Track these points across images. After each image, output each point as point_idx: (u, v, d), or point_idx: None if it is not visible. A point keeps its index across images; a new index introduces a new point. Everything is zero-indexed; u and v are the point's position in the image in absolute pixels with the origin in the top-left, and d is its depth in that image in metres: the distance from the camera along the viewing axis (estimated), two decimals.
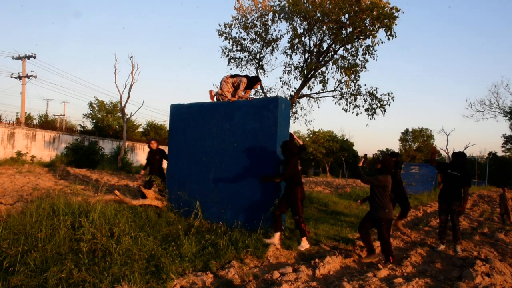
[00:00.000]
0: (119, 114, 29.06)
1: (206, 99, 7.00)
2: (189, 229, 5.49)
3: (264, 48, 14.75)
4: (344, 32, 12.98)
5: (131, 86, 17.12)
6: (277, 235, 5.27)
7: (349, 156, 44.26)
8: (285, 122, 6.16)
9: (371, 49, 13.15)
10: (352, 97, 14.03)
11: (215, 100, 6.93)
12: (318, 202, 10.77)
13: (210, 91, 6.94)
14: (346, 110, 14.22)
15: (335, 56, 13.81)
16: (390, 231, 4.86)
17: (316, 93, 14.80)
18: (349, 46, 13.38)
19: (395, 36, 12.27)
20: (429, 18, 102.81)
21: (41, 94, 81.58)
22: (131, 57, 21.79)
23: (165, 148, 8.04)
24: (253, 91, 7.13)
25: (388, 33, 12.24)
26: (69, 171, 14.76)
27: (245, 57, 15.13)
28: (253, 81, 6.66)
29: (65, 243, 4.02)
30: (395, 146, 62.26)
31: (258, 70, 15.04)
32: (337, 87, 14.23)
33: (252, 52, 14.93)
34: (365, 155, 5.36)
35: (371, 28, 12.46)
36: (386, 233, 4.76)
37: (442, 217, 5.93)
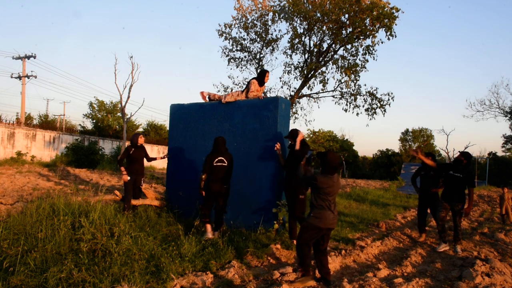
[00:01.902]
0: (119, 114, 29.08)
1: None
2: (189, 229, 5.49)
3: (264, 48, 14.76)
4: (344, 32, 12.99)
5: (131, 86, 17.09)
6: (207, 227, 5.42)
7: (349, 156, 44.24)
8: (285, 122, 6.16)
9: (371, 49, 13.17)
10: (352, 97, 14.04)
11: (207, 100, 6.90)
12: None
13: (201, 92, 6.91)
14: (346, 110, 14.24)
15: (335, 56, 13.82)
16: (309, 239, 3.91)
17: (316, 93, 14.81)
18: (349, 46, 13.40)
19: (395, 36, 12.30)
20: (429, 18, 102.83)
21: (41, 94, 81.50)
22: (131, 57, 21.70)
23: (165, 148, 7.84)
24: (267, 85, 6.91)
25: (388, 33, 12.26)
26: (69, 171, 14.76)
27: (245, 57, 15.15)
28: (261, 75, 6.41)
29: (65, 243, 4.02)
30: (395, 146, 62.34)
31: (258, 70, 15.05)
32: (337, 87, 14.25)
33: (252, 52, 14.94)
34: (311, 155, 4.55)
35: (371, 28, 12.48)
36: (303, 240, 3.91)
37: (442, 215, 5.88)
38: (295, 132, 5.44)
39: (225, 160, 5.47)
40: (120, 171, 6.48)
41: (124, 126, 17.08)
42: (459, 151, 6.46)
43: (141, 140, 6.67)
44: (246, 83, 6.71)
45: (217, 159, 5.43)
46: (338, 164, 3.94)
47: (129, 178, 6.34)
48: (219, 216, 5.59)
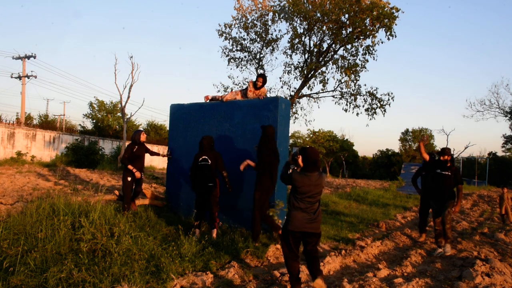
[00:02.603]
0: (119, 114, 29.09)
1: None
2: (189, 229, 5.49)
3: (264, 48, 14.74)
4: (344, 32, 12.98)
5: (131, 86, 17.13)
6: (196, 230, 5.45)
7: (349, 156, 44.25)
8: (285, 122, 6.16)
9: (371, 49, 13.15)
10: (352, 97, 14.02)
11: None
12: None
13: (206, 97, 6.93)
14: (346, 110, 14.21)
15: (335, 56, 13.81)
16: (288, 246, 3.55)
17: (316, 93, 14.79)
18: (349, 46, 13.37)
19: (395, 36, 12.28)
20: (429, 18, 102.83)
21: (41, 94, 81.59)
22: (131, 57, 21.83)
23: (165, 148, 7.76)
24: (267, 87, 6.90)
25: (388, 33, 12.24)
26: (69, 171, 14.76)
27: (245, 57, 15.11)
28: (256, 79, 6.55)
29: (65, 243, 4.02)
30: (395, 146, 62.34)
31: (258, 70, 15.04)
32: (337, 87, 14.23)
33: (252, 52, 14.92)
34: (295, 152, 4.37)
35: (371, 28, 12.47)
36: (283, 251, 3.62)
37: (437, 220, 5.80)
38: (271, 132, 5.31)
39: (208, 159, 5.51)
40: (127, 170, 6.20)
41: (124, 126, 17.11)
42: (438, 151, 6.46)
43: (143, 137, 6.53)
44: (247, 83, 6.73)
45: (201, 158, 5.52)
46: (318, 160, 3.63)
47: (129, 178, 6.24)
48: (210, 215, 5.57)
